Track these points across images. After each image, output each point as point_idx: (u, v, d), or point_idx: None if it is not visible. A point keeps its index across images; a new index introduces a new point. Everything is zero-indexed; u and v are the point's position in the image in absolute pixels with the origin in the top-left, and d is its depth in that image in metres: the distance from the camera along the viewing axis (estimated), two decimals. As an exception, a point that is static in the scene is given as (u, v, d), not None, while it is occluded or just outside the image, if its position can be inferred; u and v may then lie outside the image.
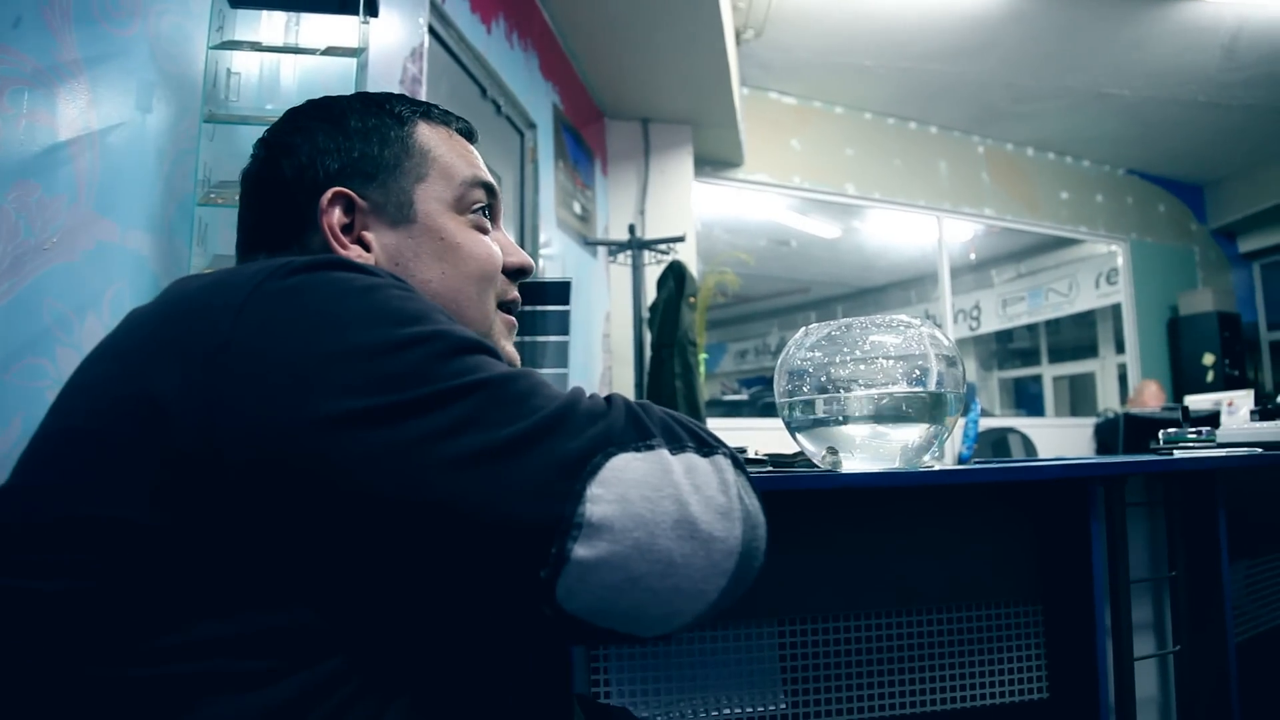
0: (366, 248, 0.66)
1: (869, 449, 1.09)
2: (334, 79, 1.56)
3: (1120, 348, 6.61)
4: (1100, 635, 1.19)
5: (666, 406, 0.57)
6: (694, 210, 4.72)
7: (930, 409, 1.07)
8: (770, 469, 1.16)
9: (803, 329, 1.16)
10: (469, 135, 0.76)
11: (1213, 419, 2.79)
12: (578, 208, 3.97)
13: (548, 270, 3.40)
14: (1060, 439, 5.49)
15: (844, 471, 1.09)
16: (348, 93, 0.75)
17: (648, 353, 3.73)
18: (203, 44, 1.30)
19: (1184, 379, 6.07)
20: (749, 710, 1.11)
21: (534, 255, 3.32)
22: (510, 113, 3.18)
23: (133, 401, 0.47)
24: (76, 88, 1.08)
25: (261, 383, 0.45)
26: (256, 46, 1.34)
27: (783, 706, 1.13)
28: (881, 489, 1.19)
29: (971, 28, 4.35)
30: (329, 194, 0.65)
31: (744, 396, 6.88)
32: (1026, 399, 8.53)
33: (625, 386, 3.99)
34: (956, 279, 6.08)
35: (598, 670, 1.12)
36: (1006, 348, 8.75)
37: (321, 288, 0.50)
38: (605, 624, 0.47)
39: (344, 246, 0.65)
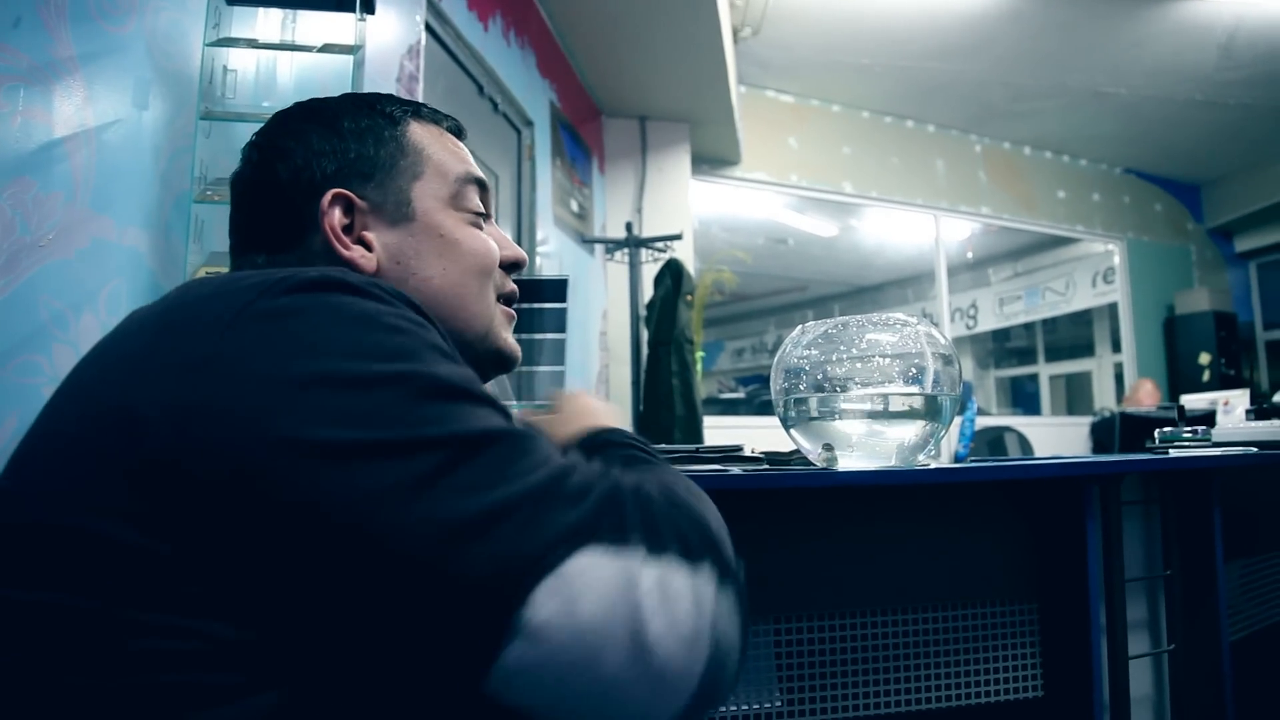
0: (368, 248, 0.66)
1: (865, 447, 1.09)
2: (330, 76, 1.55)
3: (1117, 347, 6.62)
4: (1095, 634, 1.19)
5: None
6: (691, 208, 4.72)
7: (927, 407, 1.07)
8: (766, 467, 1.16)
9: (800, 327, 1.16)
10: (458, 133, 0.77)
11: (1208, 418, 2.80)
12: (575, 205, 3.97)
13: (545, 268, 3.40)
14: (1056, 438, 5.50)
15: (840, 470, 1.09)
16: (344, 91, 0.76)
17: (644, 350, 3.73)
18: (199, 41, 1.30)
19: (1180, 378, 6.08)
20: (745, 708, 1.11)
21: (531, 253, 3.31)
22: (507, 110, 3.18)
23: (116, 413, 0.47)
24: (72, 84, 1.08)
25: (232, 399, 0.44)
26: (253, 44, 1.34)
27: (778, 704, 1.13)
28: (877, 487, 1.19)
29: (969, 26, 4.35)
30: (329, 195, 0.65)
31: (740, 394, 6.88)
32: (1023, 398, 8.54)
33: (622, 384, 3.98)
34: (953, 278, 6.09)
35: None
36: (1003, 346, 8.76)
37: (312, 311, 0.48)
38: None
39: (346, 247, 0.65)
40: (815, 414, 1.09)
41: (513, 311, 0.77)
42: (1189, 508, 1.38)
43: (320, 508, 0.43)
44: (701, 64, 3.87)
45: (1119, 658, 1.24)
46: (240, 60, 1.37)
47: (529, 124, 3.38)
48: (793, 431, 1.14)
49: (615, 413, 0.77)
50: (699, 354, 3.93)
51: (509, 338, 0.75)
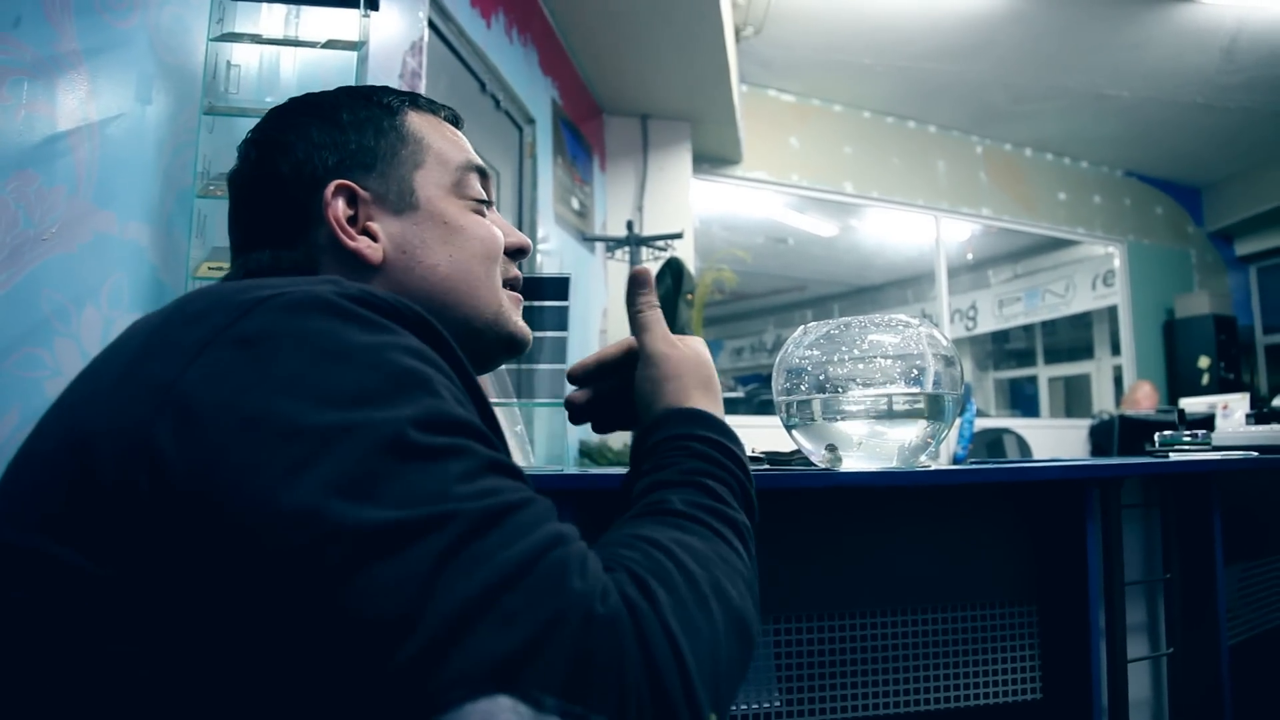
0: (373, 238, 0.66)
1: (866, 448, 1.09)
2: (334, 72, 1.55)
3: (1116, 349, 6.63)
4: (1094, 637, 1.19)
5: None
6: (692, 207, 4.72)
7: (928, 409, 1.07)
8: (767, 467, 1.16)
9: (802, 327, 1.16)
10: (455, 121, 0.77)
11: (1207, 422, 2.80)
12: (576, 203, 3.97)
13: (545, 266, 3.40)
14: (1055, 440, 5.50)
15: (841, 470, 1.09)
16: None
17: (645, 349, 3.71)
18: (203, 36, 1.30)
19: (1179, 381, 6.09)
20: (744, 708, 1.11)
21: (532, 251, 3.30)
22: (509, 108, 3.17)
23: (80, 435, 0.45)
24: (76, 78, 1.08)
25: (185, 431, 0.42)
26: (257, 39, 1.34)
27: (777, 704, 1.13)
28: (878, 488, 1.19)
29: (971, 27, 4.35)
30: (332, 186, 0.65)
31: (739, 394, 6.88)
32: (1022, 400, 8.55)
33: (622, 383, 3.96)
34: (953, 279, 6.09)
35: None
36: (1002, 348, 8.76)
37: (285, 339, 0.45)
38: None
39: (351, 238, 0.65)
40: (817, 415, 1.09)
41: (520, 295, 0.76)
42: (1189, 511, 1.38)
43: (246, 553, 0.40)
44: (703, 63, 3.87)
45: (1118, 661, 1.24)
46: (244, 55, 1.37)
47: (530, 121, 3.37)
48: (794, 432, 1.14)
49: (716, 384, 0.71)
50: (699, 353, 3.92)
51: (519, 320, 0.74)
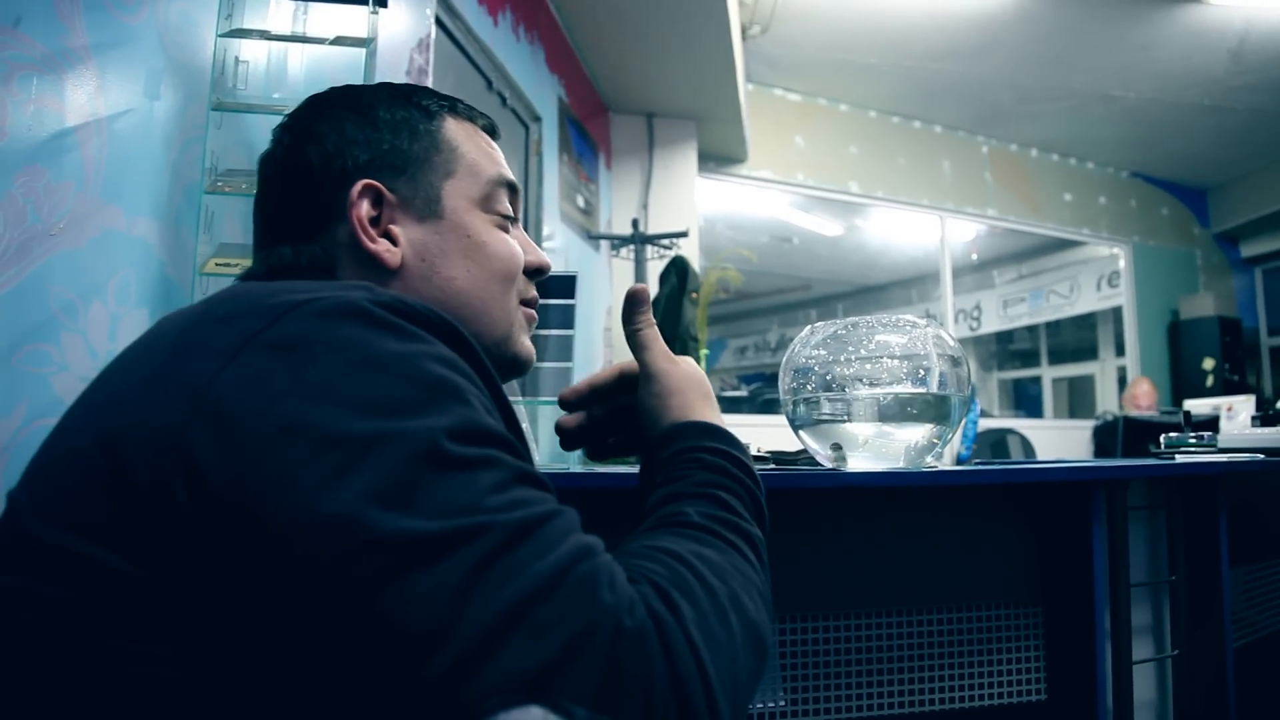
0: (394, 242, 0.65)
1: (873, 448, 1.09)
2: (341, 69, 1.55)
3: (1120, 350, 6.61)
4: (1100, 638, 1.19)
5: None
6: (697, 205, 4.71)
7: (935, 409, 1.07)
8: (773, 467, 1.16)
9: (809, 327, 1.16)
10: (492, 132, 0.76)
11: (1212, 424, 2.79)
12: (581, 201, 3.97)
13: (551, 264, 3.40)
14: (1059, 441, 5.50)
15: (847, 470, 1.09)
16: (359, 83, 0.75)
17: (649, 348, 3.71)
18: (211, 31, 1.30)
19: (1184, 383, 6.07)
20: (749, 707, 1.11)
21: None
22: (515, 105, 3.17)
23: (113, 434, 0.45)
24: (85, 74, 1.08)
25: (220, 434, 0.43)
26: (265, 35, 1.34)
27: (782, 704, 1.13)
28: (883, 488, 1.19)
29: (977, 27, 4.34)
30: (359, 186, 0.64)
31: (744, 393, 6.89)
32: (1026, 400, 8.54)
33: (626, 381, 3.96)
34: (958, 279, 6.08)
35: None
36: (1006, 348, 8.75)
37: (319, 347, 0.45)
38: None
39: (372, 240, 0.64)
40: (824, 414, 1.09)
41: (534, 313, 0.76)
42: (1194, 513, 1.38)
43: (282, 559, 0.41)
44: (710, 61, 3.87)
45: (1123, 662, 1.24)
46: (252, 51, 1.37)
47: (537, 119, 3.37)
48: (800, 431, 1.14)
49: (714, 398, 0.71)
50: (703, 351, 3.92)
51: (526, 342, 0.74)
